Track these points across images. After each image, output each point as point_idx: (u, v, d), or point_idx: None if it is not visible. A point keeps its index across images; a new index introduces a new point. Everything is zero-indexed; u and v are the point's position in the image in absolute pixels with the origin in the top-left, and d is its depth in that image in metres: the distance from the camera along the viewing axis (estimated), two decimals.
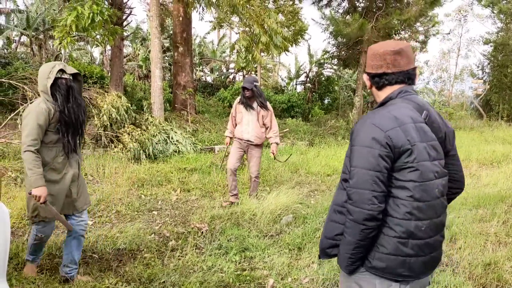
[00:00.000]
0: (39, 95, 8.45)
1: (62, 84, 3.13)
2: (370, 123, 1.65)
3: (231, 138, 5.86)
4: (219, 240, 4.39)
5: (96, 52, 29.25)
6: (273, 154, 5.67)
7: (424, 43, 16.46)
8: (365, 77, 1.87)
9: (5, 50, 24.29)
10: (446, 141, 1.80)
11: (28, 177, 2.96)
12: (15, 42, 26.41)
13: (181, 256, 4.04)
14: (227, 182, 5.80)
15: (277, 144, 5.65)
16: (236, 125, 5.70)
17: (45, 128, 3.04)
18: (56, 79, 3.09)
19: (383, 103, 1.79)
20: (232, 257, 3.99)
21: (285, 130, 12.47)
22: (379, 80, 1.80)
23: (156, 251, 4.12)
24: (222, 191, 6.27)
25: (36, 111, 3.02)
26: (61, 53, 24.29)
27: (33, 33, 23.09)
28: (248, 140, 5.52)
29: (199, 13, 13.12)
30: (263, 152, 6.22)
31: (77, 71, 3.24)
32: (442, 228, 1.76)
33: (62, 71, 3.12)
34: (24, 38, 26.14)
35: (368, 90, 2.26)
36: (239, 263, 3.92)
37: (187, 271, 3.71)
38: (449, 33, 17.49)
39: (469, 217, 5.29)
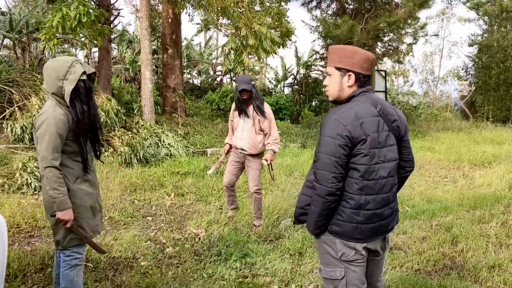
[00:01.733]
0: (26, 98, 8.24)
1: (82, 87, 2.65)
2: (335, 118, 2.03)
3: (230, 146, 5.09)
4: (217, 246, 4.26)
5: (80, 55, 28.88)
6: (267, 161, 4.82)
7: (411, 45, 16.56)
8: (352, 75, 2.13)
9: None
10: (399, 129, 2.19)
11: (52, 197, 2.52)
12: None
13: (180, 264, 3.91)
14: (225, 198, 5.27)
15: (275, 152, 4.82)
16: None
17: (65, 137, 2.58)
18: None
19: (348, 99, 2.16)
20: (232, 263, 3.87)
21: None
22: (364, 79, 2.15)
23: (153, 259, 3.98)
24: (217, 195, 6.14)
25: (53, 118, 2.53)
26: (45, 56, 23.86)
27: (16, 35, 22.62)
28: (242, 149, 4.78)
29: (189, 15, 12.96)
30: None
31: (94, 70, 2.76)
32: (390, 202, 2.17)
33: (83, 72, 2.62)
34: (7, 41, 25.66)
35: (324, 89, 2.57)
36: (240, 270, 3.80)
37: (187, 280, 3.58)
38: (437, 35, 17.63)
39: (467, 219, 5.26)
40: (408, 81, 39.39)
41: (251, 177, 4.84)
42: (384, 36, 15.00)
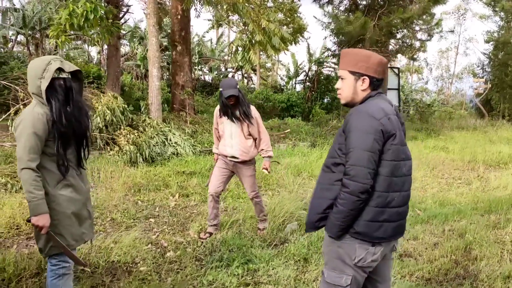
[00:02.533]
0: (31, 96, 8.18)
1: (60, 86, 2.50)
2: (366, 112, 2.01)
3: (219, 154, 4.71)
4: (220, 250, 4.12)
5: (93, 51, 29.01)
6: (267, 170, 4.59)
7: (425, 41, 16.22)
8: (366, 79, 2.12)
9: (1, 50, 24.01)
10: (404, 131, 2.21)
11: (27, 201, 2.40)
12: (12, 41, 26.13)
13: (180, 269, 3.78)
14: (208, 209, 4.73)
15: (270, 157, 4.56)
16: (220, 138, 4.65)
17: (44, 137, 2.44)
18: (52, 79, 2.45)
19: (363, 100, 2.14)
20: (234, 270, 3.73)
21: (286, 131, 12.22)
22: (377, 82, 2.15)
23: (152, 263, 3.85)
24: (223, 196, 6.00)
25: (31, 117, 2.42)
26: (58, 52, 23.98)
27: (29, 32, 22.80)
28: (232, 157, 4.41)
29: (196, 10, 12.82)
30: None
31: (78, 68, 2.60)
32: (408, 200, 2.17)
33: (60, 69, 2.49)
34: (20, 37, 25.88)
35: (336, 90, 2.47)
36: (242, 276, 3.65)
37: (186, 287, 3.45)
38: (452, 31, 17.23)
39: (482, 224, 5.04)
40: (422, 78, 38.86)
41: (248, 184, 4.53)
42: (397, 33, 14.69)
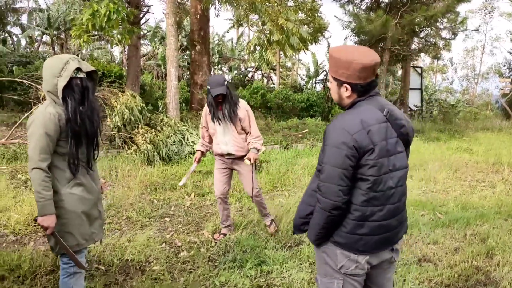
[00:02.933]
0: None
1: (77, 85, 2.51)
2: (340, 127, 1.89)
3: (202, 153, 4.56)
4: (233, 251, 4.08)
5: (116, 51, 29.44)
6: (250, 161, 4.24)
7: (450, 40, 15.85)
8: (348, 87, 1.98)
9: (27, 49, 24.58)
10: (408, 135, 2.06)
11: (36, 201, 2.41)
12: (37, 42, 26.73)
13: (193, 269, 3.75)
14: (219, 211, 4.71)
15: (258, 150, 4.31)
16: (209, 137, 4.48)
17: (55, 138, 2.45)
18: (69, 79, 2.47)
19: (352, 105, 2.01)
20: (247, 271, 3.68)
21: (304, 131, 12.11)
22: (363, 88, 1.97)
23: (166, 263, 3.84)
24: (238, 196, 5.97)
25: (43, 117, 2.42)
26: (82, 52, 24.41)
27: (54, 32, 23.27)
28: (228, 154, 4.31)
29: (215, 9, 12.83)
30: (284, 155, 5.36)
31: (94, 69, 2.64)
32: (398, 213, 2.03)
33: (77, 69, 2.51)
34: (46, 38, 26.43)
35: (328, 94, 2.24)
36: (255, 278, 3.61)
37: None
38: (477, 30, 16.79)
39: (505, 228, 4.87)
40: (447, 78, 38.11)
41: (247, 181, 4.39)
42: (420, 31, 14.39)
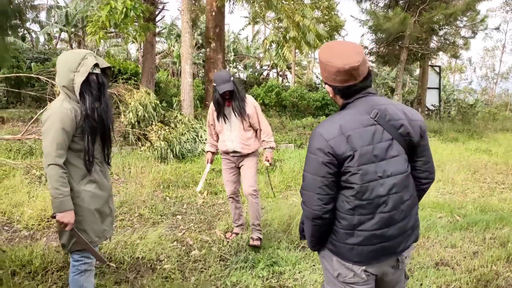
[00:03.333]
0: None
1: (94, 81, 2.48)
2: (318, 132, 1.79)
3: (213, 153, 4.43)
4: (245, 251, 4.02)
5: (133, 49, 29.66)
6: (268, 162, 4.27)
7: (469, 39, 15.51)
8: (328, 88, 1.91)
9: (46, 46, 24.91)
10: (410, 135, 1.84)
11: (53, 197, 2.35)
12: (56, 39, 27.06)
13: (204, 269, 3.70)
14: (231, 210, 4.61)
15: (273, 149, 4.25)
16: (217, 135, 4.32)
17: (72, 133, 2.41)
18: (87, 75, 2.44)
19: (342, 107, 1.90)
20: (259, 272, 3.61)
21: None
22: (347, 91, 1.85)
23: (177, 261, 3.80)
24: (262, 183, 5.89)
25: (59, 113, 2.37)
26: (98, 49, 24.63)
27: (72, 29, 23.54)
28: (234, 152, 4.15)
29: (230, 6, 12.76)
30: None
31: (109, 65, 2.61)
32: (397, 221, 1.84)
33: (95, 65, 2.47)
34: (64, 35, 26.77)
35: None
36: (267, 279, 3.53)
37: (209, 287, 3.36)
38: (498, 28, 16.39)
39: None
40: (465, 78, 37.50)
41: (246, 176, 4.16)
42: (439, 30, 14.11)
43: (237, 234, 4.42)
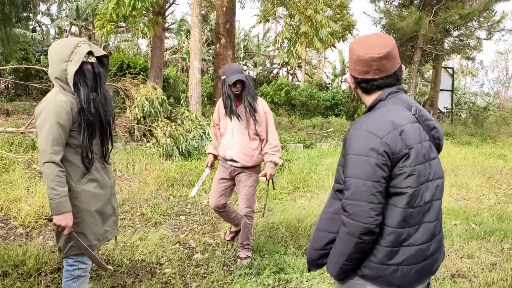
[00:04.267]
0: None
1: (89, 71, 2.29)
2: (365, 130, 1.55)
3: (215, 157, 3.87)
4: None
5: (143, 44, 29.57)
6: (266, 178, 3.63)
7: (484, 40, 15.16)
8: (349, 78, 1.75)
9: (56, 39, 24.92)
10: (439, 139, 1.72)
11: (49, 198, 2.18)
12: (66, 32, 27.06)
13: (206, 274, 3.50)
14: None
15: (276, 164, 3.60)
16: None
17: (68, 127, 2.23)
18: (81, 64, 2.24)
19: (372, 106, 1.68)
20: (264, 279, 3.41)
21: (329, 130, 11.75)
22: (366, 85, 1.67)
23: (178, 265, 3.60)
24: (258, 196, 5.69)
25: (54, 105, 2.19)
26: (109, 44, 24.57)
27: (82, 23, 23.50)
28: (231, 160, 3.59)
29: (241, 1, 12.54)
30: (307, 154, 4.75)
31: (105, 53, 2.42)
32: (436, 233, 1.66)
33: (89, 53, 2.29)
34: (74, 28, 26.74)
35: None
36: (272, 287, 3.33)
37: None
38: None
39: None
40: (478, 80, 37.01)
41: (243, 196, 3.65)
42: (455, 30, 13.78)
43: (236, 233, 4.06)
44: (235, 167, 3.61)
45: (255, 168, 3.64)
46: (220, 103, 3.68)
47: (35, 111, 2.27)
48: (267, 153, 3.55)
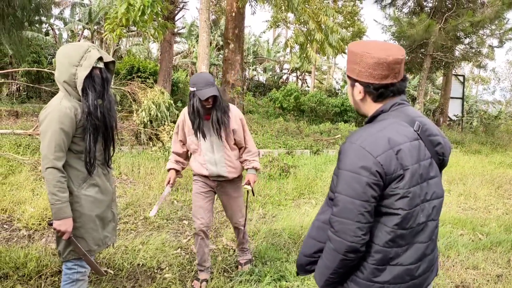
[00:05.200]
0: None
1: (98, 76, 2.32)
2: (359, 146, 1.46)
3: (177, 172, 3.49)
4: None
5: (154, 48, 29.80)
6: (250, 185, 3.37)
7: (495, 47, 15.01)
8: (358, 87, 1.58)
9: (67, 43, 25.20)
10: (444, 156, 1.63)
11: (50, 203, 2.20)
12: (79, 36, 27.37)
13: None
14: (194, 248, 3.76)
15: (257, 170, 3.43)
16: (186, 152, 3.45)
17: (71, 134, 2.25)
18: (91, 69, 2.27)
19: (373, 117, 1.59)
20: (265, 287, 3.38)
21: (336, 136, 11.70)
22: (384, 91, 1.54)
23: (179, 271, 3.59)
24: (263, 201, 5.67)
25: (58, 111, 2.20)
26: (120, 47, 24.78)
27: (94, 27, 23.75)
28: (219, 176, 3.33)
29: (252, 6, 12.57)
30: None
31: (113, 59, 2.45)
32: (428, 254, 1.60)
33: (99, 59, 2.32)
34: (87, 32, 27.03)
35: (354, 101, 1.74)
36: None
37: None
38: None
39: None
40: (489, 88, 36.65)
41: (236, 208, 3.47)
42: (465, 38, 13.68)
43: (206, 281, 3.41)
44: (220, 181, 3.39)
45: (239, 178, 3.48)
46: (184, 114, 3.33)
47: (40, 116, 2.28)
48: (246, 159, 3.39)
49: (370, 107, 1.61)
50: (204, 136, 3.17)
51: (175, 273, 3.54)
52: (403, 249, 1.52)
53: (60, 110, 2.21)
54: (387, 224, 1.49)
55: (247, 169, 3.41)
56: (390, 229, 1.49)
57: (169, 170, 3.47)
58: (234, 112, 3.29)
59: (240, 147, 3.39)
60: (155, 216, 3.87)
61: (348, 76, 1.63)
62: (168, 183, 3.43)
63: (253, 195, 3.62)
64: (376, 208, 1.48)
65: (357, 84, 1.58)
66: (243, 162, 3.40)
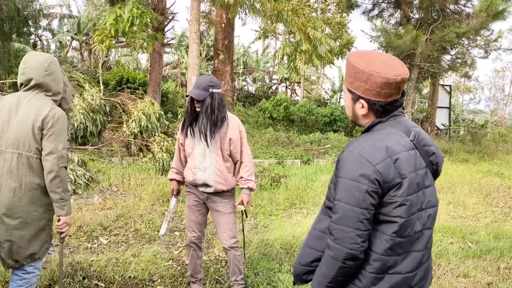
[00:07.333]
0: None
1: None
2: (358, 154, 1.50)
3: (179, 182, 3.41)
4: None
5: (144, 59, 29.77)
6: (243, 206, 3.25)
7: (480, 58, 15.29)
8: (363, 103, 1.59)
9: (57, 54, 25.06)
10: (437, 165, 1.68)
11: (63, 200, 2.33)
12: (67, 47, 27.25)
13: None
14: (186, 259, 3.77)
15: (251, 190, 3.25)
16: (186, 159, 3.29)
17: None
18: None
19: (370, 127, 1.62)
20: None
21: (326, 146, 11.76)
22: (390, 107, 1.59)
23: (170, 283, 3.57)
24: (254, 211, 5.67)
25: (64, 117, 2.38)
26: (109, 58, 24.70)
27: (83, 38, 23.68)
28: (204, 185, 3.12)
29: (241, 19, 12.70)
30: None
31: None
32: (423, 262, 1.63)
33: None
34: (75, 43, 26.95)
35: (348, 113, 1.79)
36: None
37: None
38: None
39: None
40: (474, 98, 37.29)
41: (224, 225, 3.21)
42: (452, 48, 13.92)
43: None
44: (207, 193, 3.17)
45: (230, 192, 3.23)
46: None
47: (47, 116, 2.31)
48: (242, 177, 3.19)
49: (370, 120, 1.64)
50: (192, 134, 3.11)
51: (167, 285, 3.52)
52: (401, 258, 1.54)
53: (65, 117, 2.39)
54: (386, 232, 1.51)
55: (241, 188, 3.24)
56: (389, 237, 1.51)
57: (171, 181, 3.43)
58: (234, 121, 3.17)
59: (236, 161, 3.20)
60: (164, 234, 3.79)
61: (350, 90, 1.63)
62: (173, 194, 3.44)
63: (246, 216, 3.51)
64: (374, 216, 1.51)
65: (362, 100, 1.60)
66: (238, 180, 3.22)
